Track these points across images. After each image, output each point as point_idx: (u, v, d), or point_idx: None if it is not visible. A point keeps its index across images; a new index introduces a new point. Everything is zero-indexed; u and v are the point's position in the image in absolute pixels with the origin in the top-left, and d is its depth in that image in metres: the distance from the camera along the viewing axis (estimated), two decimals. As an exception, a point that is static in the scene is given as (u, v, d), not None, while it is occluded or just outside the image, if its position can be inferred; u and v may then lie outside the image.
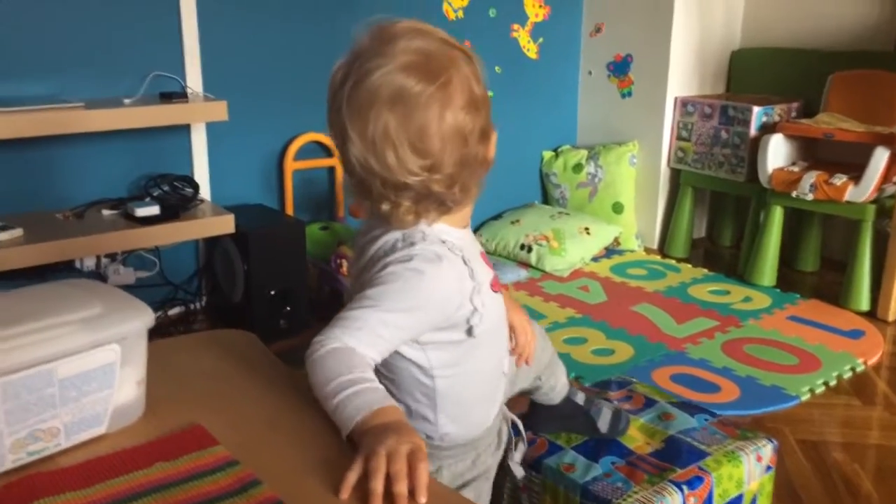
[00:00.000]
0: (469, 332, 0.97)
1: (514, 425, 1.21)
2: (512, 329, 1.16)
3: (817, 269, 3.07)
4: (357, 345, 0.89)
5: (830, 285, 2.85)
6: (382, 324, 0.90)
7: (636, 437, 1.42)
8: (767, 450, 1.42)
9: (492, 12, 3.11)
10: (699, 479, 1.31)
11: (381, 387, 0.87)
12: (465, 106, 0.90)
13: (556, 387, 1.35)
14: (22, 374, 0.75)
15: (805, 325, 2.52)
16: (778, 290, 2.81)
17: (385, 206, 0.93)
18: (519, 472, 1.21)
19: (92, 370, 0.80)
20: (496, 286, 1.02)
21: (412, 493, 0.74)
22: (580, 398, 1.40)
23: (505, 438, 1.17)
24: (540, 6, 3.26)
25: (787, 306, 2.68)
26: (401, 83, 0.87)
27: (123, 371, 0.83)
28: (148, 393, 0.89)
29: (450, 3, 2.99)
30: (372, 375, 0.88)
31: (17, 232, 2.01)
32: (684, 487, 1.29)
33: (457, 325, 0.96)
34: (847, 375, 2.21)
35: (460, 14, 3.03)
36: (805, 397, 2.09)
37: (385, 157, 0.88)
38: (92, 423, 0.82)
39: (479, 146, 0.94)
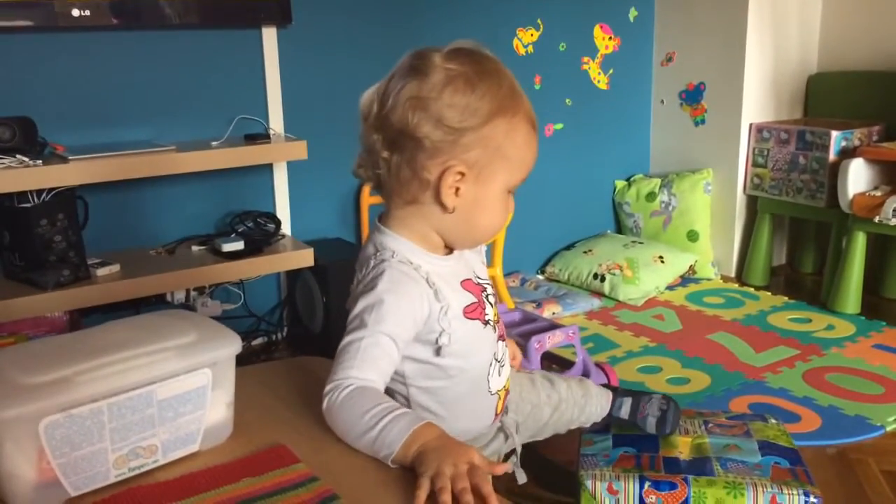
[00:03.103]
0: (438, 352, 1.02)
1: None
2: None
3: (905, 296, 2.97)
4: (365, 378, 0.95)
5: (919, 312, 2.76)
6: (376, 345, 0.96)
7: (678, 445, 1.39)
8: (794, 499, 1.25)
9: (561, 46, 3.17)
10: (672, 485, 1.27)
11: (408, 410, 0.92)
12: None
13: (594, 413, 1.41)
14: (126, 396, 0.83)
15: (891, 354, 2.44)
16: (863, 318, 2.73)
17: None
18: (521, 477, 1.20)
19: (187, 392, 0.87)
20: (473, 315, 1.06)
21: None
22: (625, 411, 1.42)
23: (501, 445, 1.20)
24: (610, 38, 3.30)
25: (873, 334, 2.60)
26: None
27: (214, 393, 0.90)
28: (235, 415, 0.96)
29: (520, 39, 3.06)
30: (393, 401, 0.93)
31: (115, 267, 2.16)
32: (647, 483, 1.27)
33: (427, 342, 1.02)
34: (937, 406, 2.13)
35: (530, 49, 3.09)
36: (891, 427, 2.02)
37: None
38: (186, 442, 0.90)
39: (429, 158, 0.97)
